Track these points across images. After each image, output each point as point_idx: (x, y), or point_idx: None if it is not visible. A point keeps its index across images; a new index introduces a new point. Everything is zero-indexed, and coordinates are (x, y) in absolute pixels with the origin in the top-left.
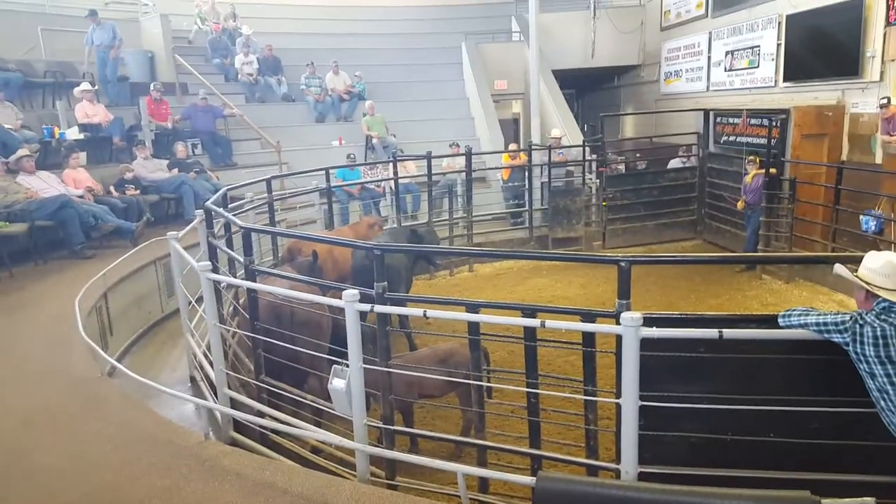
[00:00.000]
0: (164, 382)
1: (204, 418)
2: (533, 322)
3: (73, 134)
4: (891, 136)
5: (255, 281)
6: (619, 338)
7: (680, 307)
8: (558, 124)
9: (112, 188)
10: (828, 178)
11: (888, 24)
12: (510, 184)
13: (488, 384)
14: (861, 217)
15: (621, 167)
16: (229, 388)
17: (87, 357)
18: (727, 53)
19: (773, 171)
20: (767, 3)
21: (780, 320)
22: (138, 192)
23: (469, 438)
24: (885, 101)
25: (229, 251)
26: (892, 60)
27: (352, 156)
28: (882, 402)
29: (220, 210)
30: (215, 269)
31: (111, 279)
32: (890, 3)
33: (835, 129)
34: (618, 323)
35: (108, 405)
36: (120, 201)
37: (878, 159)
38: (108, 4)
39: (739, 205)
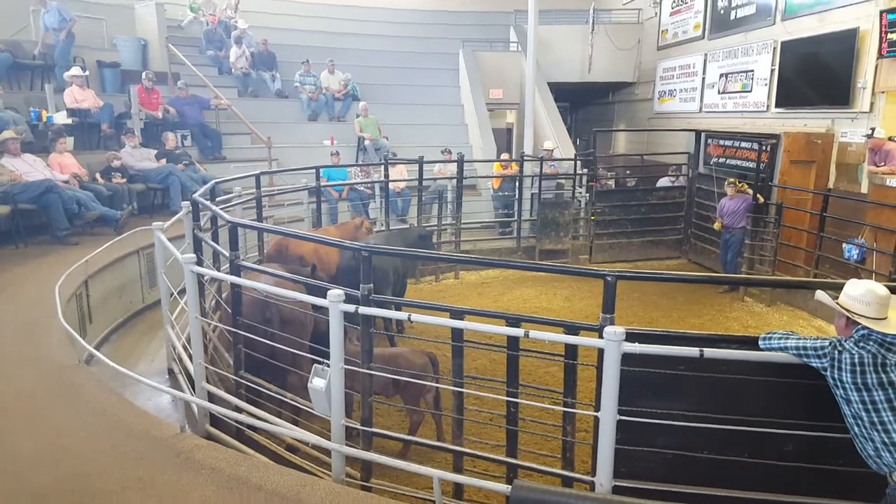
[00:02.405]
0: (142, 373)
1: (180, 411)
2: (516, 331)
3: (61, 118)
4: (877, 166)
5: (239, 276)
6: (601, 351)
7: (662, 325)
8: (551, 136)
9: (98, 175)
10: (814, 204)
11: (880, 55)
12: (500, 193)
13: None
14: (844, 245)
15: (611, 183)
16: (207, 381)
17: (65, 344)
18: (721, 76)
19: (760, 199)
20: (763, 29)
21: (760, 342)
22: (125, 180)
23: (446, 444)
24: (870, 131)
25: (215, 245)
26: (882, 92)
27: (336, 154)
28: (856, 429)
29: (208, 203)
30: (200, 262)
31: (93, 267)
32: (882, 35)
33: (823, 157)
34: (600, 337)
35: (85, 393)
36: (105, 189)
37: (864, 189)
38: None
39: (716, 226)
